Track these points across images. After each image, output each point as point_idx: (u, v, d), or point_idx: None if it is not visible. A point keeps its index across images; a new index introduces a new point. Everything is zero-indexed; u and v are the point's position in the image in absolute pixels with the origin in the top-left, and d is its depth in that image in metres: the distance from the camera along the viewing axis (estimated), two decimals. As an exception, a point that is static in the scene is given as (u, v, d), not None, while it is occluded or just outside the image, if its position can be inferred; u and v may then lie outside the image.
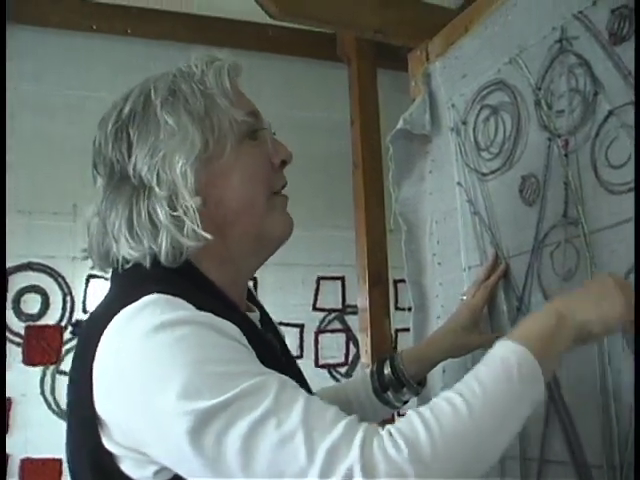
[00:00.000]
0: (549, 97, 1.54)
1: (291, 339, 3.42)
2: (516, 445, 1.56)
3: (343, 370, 3.53)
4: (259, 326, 1.24)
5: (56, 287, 3.14)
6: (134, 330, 0.97)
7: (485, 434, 0.94)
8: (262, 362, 1.00)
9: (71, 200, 3.03)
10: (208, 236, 1.08)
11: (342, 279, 3.54)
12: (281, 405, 0.91)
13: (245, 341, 1.01)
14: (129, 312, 0.99)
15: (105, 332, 1.00)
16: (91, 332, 1.03)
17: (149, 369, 0.95)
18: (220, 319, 1.00)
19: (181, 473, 0.96)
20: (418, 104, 1.90)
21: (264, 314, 1.36)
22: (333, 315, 3.54)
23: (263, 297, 3.27)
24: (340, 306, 3.56)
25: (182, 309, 0.99)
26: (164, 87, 1.15)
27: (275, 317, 3.54)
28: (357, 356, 3.49)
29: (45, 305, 3.11)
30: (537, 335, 1.06)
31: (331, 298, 3.54)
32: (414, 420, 0.92)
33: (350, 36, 3.05)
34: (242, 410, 0.90)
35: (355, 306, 3.31)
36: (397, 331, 3.24)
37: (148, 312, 0.98)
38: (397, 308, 3.28)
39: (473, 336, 1.58)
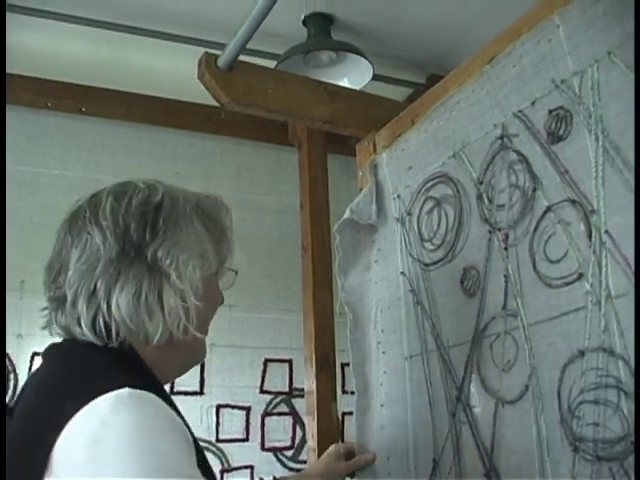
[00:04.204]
0: (490, 191, 1.58)
1: (237, 422, 3.38)
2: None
3: (289, 454, 3.49)
4: None
5: (0, 365, 3.07)
6: (116, 426, 0.98)
7: None
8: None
9: (19, 276, 2.99)
10: (198, 334, 1.23)
11: (289, 362, 3.52)
12: None
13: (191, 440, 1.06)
14: (107, 405, 1.00)
15: (75, 418, 0.99)
16: (48, 412, 1.05)
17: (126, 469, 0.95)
18: (181, 423, 1.06)
19: None
20: (365, 194, 1.94)
21: None
22: (280, 398, 3.51)
23: (210, 379, 3.29)
24: (287, 389, 3.53)
25: (156, 407, 1.04)
26: (192, 200, 1.28)
27: (222, 399, 3.51)
28: (303, 440, 3.45)
29: (-13, 383, 3.03)
30: None
31: (278, 381, 3.51)
32: None
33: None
34: None
35: (302, 389, 3.30)
36: (344, 414, 3.22)
37: (127, 409, 1.00)
38: (344, 392, 3.27)
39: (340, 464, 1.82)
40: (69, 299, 1.18)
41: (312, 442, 2.95)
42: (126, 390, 1.02)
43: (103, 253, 1.17)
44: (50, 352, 1.23)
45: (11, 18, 2.62)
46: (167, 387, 3.37)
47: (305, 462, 3.34)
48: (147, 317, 1.16)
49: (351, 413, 1.94)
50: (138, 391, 1.03)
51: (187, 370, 1.34)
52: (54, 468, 1.00)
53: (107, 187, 1.26)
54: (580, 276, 1.33)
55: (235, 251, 1.34)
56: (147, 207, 1.21)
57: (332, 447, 1.86)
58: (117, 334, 1.16)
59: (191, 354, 1.31)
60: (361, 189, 2.00)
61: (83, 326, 1.16)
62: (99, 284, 1.16)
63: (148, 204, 1.22)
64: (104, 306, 1.15)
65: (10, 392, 3.05)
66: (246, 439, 3.39)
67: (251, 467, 3.33)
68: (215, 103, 1.88)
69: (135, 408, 1.01)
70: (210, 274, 1.27)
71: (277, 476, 1.74)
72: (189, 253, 1.21)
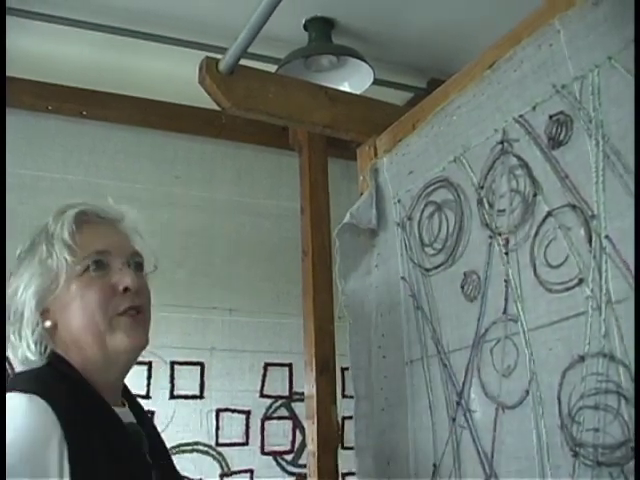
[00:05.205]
0: (491, 196, 1.58)
1: (237, 426, 3.37)
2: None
3: (289, 458, 3.48)
4: (124, 418, 1.38)
5: (-2, 368, 3.06)
6: None
7: None
8: (108, 447, 1.21)
9: (19, 280, 2.99)
10: (33, 354, 1.33)
11: (289, 366, 3.51)
12: None
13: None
14: None
15: None
16: None
17: None
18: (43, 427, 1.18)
19: None
20: (365, 199, 1.94)
21: (139, 409, 1.51)
22: (280, 402, 3.50)
23: (210, 383, 3.29)
24: (287, 393, 3.52)
25: (18, 406, 1.19)
26: (31, 238, 1.41)
27: (222, 403, 3.50)
28: (303, 444, 3.44)
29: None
30: None
31: (278, 385, 3.50)
32: None
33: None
34: None
35: (302, 393, 3.28)
36: (344, 419, 3.21)
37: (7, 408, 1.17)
38: (344, 396, 3.26)
39: None
40: None
41: (312, 446, 2.94)
42: (10, 394, 1.21)
43: None
44: None
45: (12, 21, 2.62)
46: (167, 391, 3.33)
47: (305, 466, 3.33)
48: (20, 345, 1.35)
49: (351, 417, 1.94)
50: (14, 393, 1.21)
51: (116, 367, 1.40)
52: None
53: None
54: (580, 281, 1.34)
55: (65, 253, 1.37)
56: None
57: None
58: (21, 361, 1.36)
59: (100, 355, 1.36)
60: (362, 193, 2.00)
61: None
62: None
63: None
64: None
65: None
66: (246, 443, 3.38)
67: (251, 471, 3.32)
68: (216, 107, 1.88)
69: (8, 408, 1.18)
70: (49, 288, 1.36)
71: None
72: (23, 279, 1.37)
